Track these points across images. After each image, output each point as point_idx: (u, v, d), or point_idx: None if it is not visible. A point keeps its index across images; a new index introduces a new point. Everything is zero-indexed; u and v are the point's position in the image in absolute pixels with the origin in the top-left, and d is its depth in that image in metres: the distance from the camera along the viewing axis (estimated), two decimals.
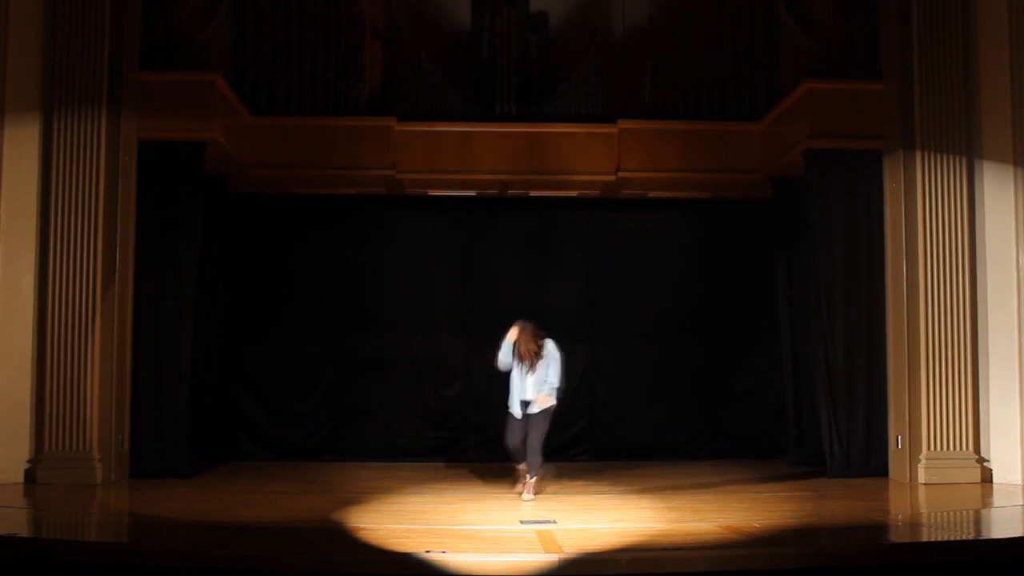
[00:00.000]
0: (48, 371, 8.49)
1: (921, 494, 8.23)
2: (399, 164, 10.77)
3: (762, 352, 11.31)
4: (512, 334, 8.09)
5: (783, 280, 10.63)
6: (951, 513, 7.29)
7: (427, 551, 5.15)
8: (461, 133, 10.87)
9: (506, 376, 8.23)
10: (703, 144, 10.81)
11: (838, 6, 9.82)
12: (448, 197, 11.51)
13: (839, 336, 9.53)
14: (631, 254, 11.65)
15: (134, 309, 9.15)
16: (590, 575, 5.09)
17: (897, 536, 6.37)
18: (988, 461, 8.87)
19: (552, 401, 8.03)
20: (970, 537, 6.31)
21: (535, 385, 8.02)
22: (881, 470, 9.29)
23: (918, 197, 8.98)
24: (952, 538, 6.12)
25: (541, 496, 7.99)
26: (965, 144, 9.02)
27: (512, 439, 8.12)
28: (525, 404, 8.05)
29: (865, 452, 9.42)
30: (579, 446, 11.26)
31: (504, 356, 8.11)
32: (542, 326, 8.28)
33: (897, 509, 7.60)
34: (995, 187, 9.02)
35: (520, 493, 7.99)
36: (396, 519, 6.74)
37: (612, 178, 10.90)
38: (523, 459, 8.10)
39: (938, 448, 8.78)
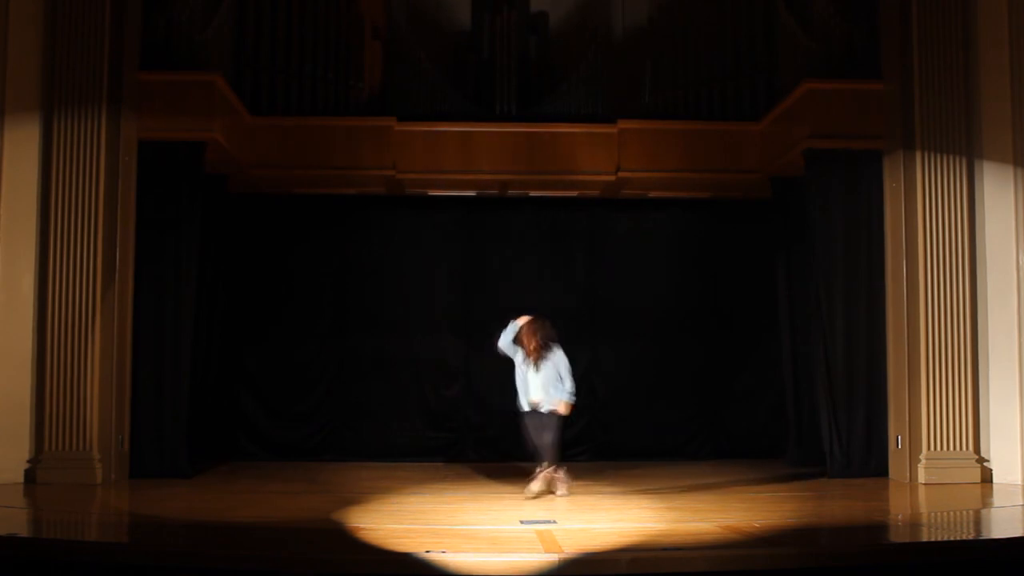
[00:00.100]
0: (48, 371, 8.49)
1: (921, 494, 8.23)
2: (399, 164, 10.77)
3: (762, 352, 11.31)
4: (520, 321, 8.09)
5: (783, 280, 10.63)
6: (951, 513, 7.29)
7: (427, 551, 5.15)
8: (461, 133, 10.87)
9: (506, 376, 8.21)
10: (703, 144, 10.81)
11: (838, 6, 9.82)
12: (448, 197, 11.51)
13: (839, 336, 9.53)
14: (631, 254, 11.65)
15: (134, 309, 9.15)
16: (590, 575, 5.09)
17: (897, 536, 6.37)
18: (988, 461, 8.87)
19: (567, 408, 8.03)
20: (970, 537, 6.31)
21: (543, 387, 7.97)
22: (881, 470, 9.29)
23: (918, 197, 8.98)
24: (952, 538, 6.12)
25: (540, 496, 7.98)
26: (965, 144, 9.02)
27: (532, 441, 8.13)
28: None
29: (865, 452, 9.42)
30: (579, 446, 11.25)
31: (505, 341, 8.12)
32: (545, 327, 8.23)
33: (897, 509, 7.60)
34: (995, 187, 9.02)
35: (556, 493, 8.04)
36: (396, 519, 6.74)
37: (612, 178, 10.90)
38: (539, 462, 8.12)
39: (938, 448, 8.78)
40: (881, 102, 9.51)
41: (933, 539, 6.14)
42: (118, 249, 8.88)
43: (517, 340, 8.12)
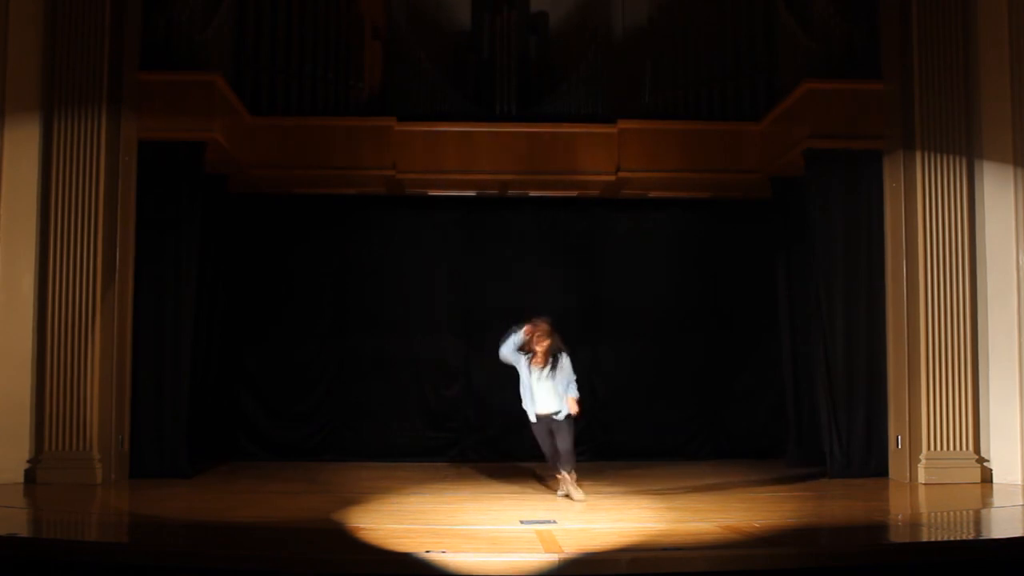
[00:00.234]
0: (48, 371, 8.49)
1: (921, 494, 8.23)
2: (399, 164, 10.77)
3: (762, 352, 11.31)
4: (523, 331, 7.98)
5: (783, 280, 10.62)
6: (951, 513, 7.29)
7: (427, 551, 5.15)
8: (461, 133, 10.87)
9: (506, 376, 8.19)
10: (703, 144, 10.81)
11: (838, 6, 9.82)
12: (448, 197, 11.51)
13: (839, 336, 9.52)
14: (631, 254, 11.65)
15: (134, 309, 9.15)
16: (590, 575, 5.09)
17: (897, 536, 6.37)
18: (988, 461, 8.87)
19: (577, 405, 7.97)
20: (970, 537, 6.31)
21: (553, 394, 7.88)
22: (881, 470, 9.29)
23: (918, 197, 8.98)
24: (952, 538, 6.12)
25: (540, 496, 7.99)
26: (965, 144, 9.02)
27: (546, 447, 8.09)
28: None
29: (865, 452, 9.41)
30: (579, 446, 11.04)
31: (507, 350, 8.01)
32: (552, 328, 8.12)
33: (897, 509, 7.60)
34: (995, 187, 9.02)
35: (558, 493, 8.02)
36: (396, 519, 6.74)
37: (612, 178, 10.90)
38: (557, 462, 8.07)
39: (938, 448, 8.78)
40: (881, 102, 9.51)
41: (933, 539, 6.14)
42: (118, 249, 8.88)
43: (522, 347, 7.98)
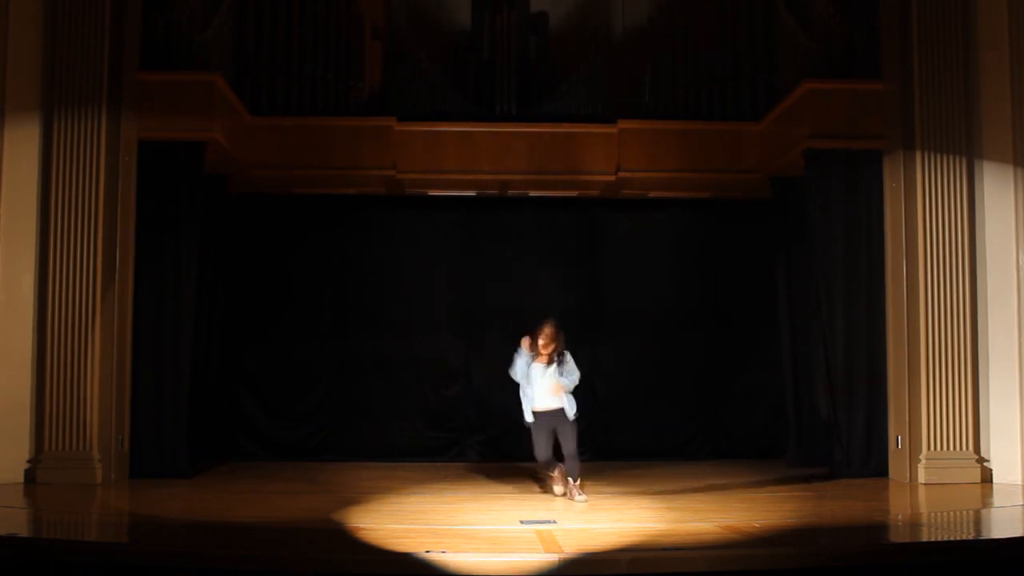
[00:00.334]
0: (48, 371, 8.49)
1: (921, 494, 8.23)
2: (399, 164, 10.77)
3: (762, 352, 11.31)
4: (526, 345, 7.96)
5: (783, 280, 10.63)
6: (951, 513, 7.29)
7: (427, 551, 5.15)
8: (461, 133, 10.87)
9: (506, 376, 8.18)
10: (703, 144, 10.81)
11: (838, 6, 9.82)
12: (448, 197, 11.51)
13: (839, 336, 9.53)
14: (631, 254, 11.65)
15: (134, 309, 9.15)
16: (590, 575, 5.09)
17: (897, 536, 6.37)
18: (988, 461, 8.87)
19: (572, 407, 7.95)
20: (970, 537, 6.31)
21: (553, 394, 7.86)
22: (881, 470, 9.29)
23: (918, 197, 8.98)
24: (952, 538, 6.12)
25: (540, 496, 7.98)
26: (965, 144, 9.02)
27: (542, 451, 7.99)
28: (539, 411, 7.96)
29: (865, 452, 9.41)
30: (579, 446, 11.21)
31: (519, 369, 7.96)
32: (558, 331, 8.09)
33: (897, 509, 7.60)
34: (995, 187, 9.02)
35: (555, 492, 8.01)
36: (396, 519, 6.73)
37: (612, 178, 10.90)
38: (552, 466, 8.05)
39: (938, 448, 8.78)
40: (881, 102, 9.51)
41: (933, 539, 6.14)
42: (118, 249, 8.88)
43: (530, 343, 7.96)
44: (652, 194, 11.50)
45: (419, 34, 11.47)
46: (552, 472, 8.14)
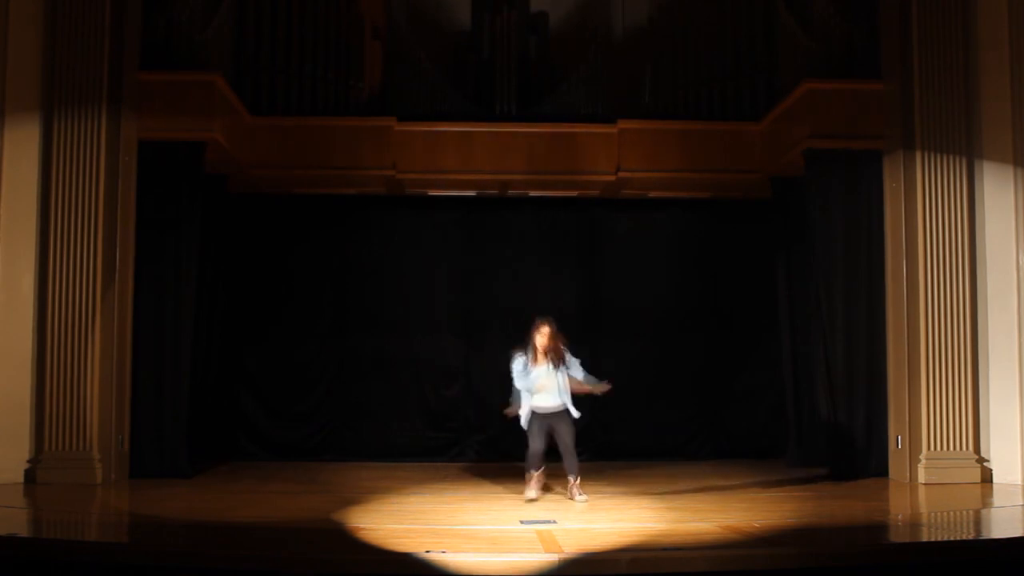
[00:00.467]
0: (48, 371, 8.49)
1: (921, 494, 8.23)
2: (399, 164, 10.77)
3: (762, 352, 11.31)
4: (519, 360, 7.87)
5: (783, 280, 10.63)
6: (951, 513, 7.29)
7: (427, 551, 5.14)
8: (461, 133, 10.87)
9: (506, 376, 8.16)
10: (703, 144, 10.81)
11: (838, 6, 9.82)
12: (448, 197, 11.51)
13: (839, 336, 9.52)
14: (631, 254, 11.65)
15: (134, 309, 9.15)
16: (590, 575, 5.09)
17: (897, 536, 6.37)
18: (988, 461, 8.87)
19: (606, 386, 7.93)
20: (970, 537, 6.31)
21: (552, 393, 7.78)
22: (881, 470, 9.29)
23: (918, 197, 8.98)
24: (952, 538, 6.12)
25: (541, 496, 7.97)
26: (965, 144, 9.02)
27: (537, 447, 7.88)
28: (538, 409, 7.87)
29: (865, 452, 9.41)
30: (579, 446, 11.10)
31: (522, 382, 7.84)
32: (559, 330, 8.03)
33: (897, 509, 7.60)
34: (995, 187, 9.02)
35: (529, 496, 7.81)
36: (396, 519, 6.74)
37: (612, 178, 10.90)
38: (541, 465, 7.93)
39: (938, 448, 8.78)
40: (881, 102, 9.51)
41: (933, 539, 6.14)
42: (118, 249, 8.88)
43: (527, 345, 7.88)
44: (652, 194, 11.50)
45: (419, 34, 11.47)
46: (536, 472, 7.89)
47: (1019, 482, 8.63)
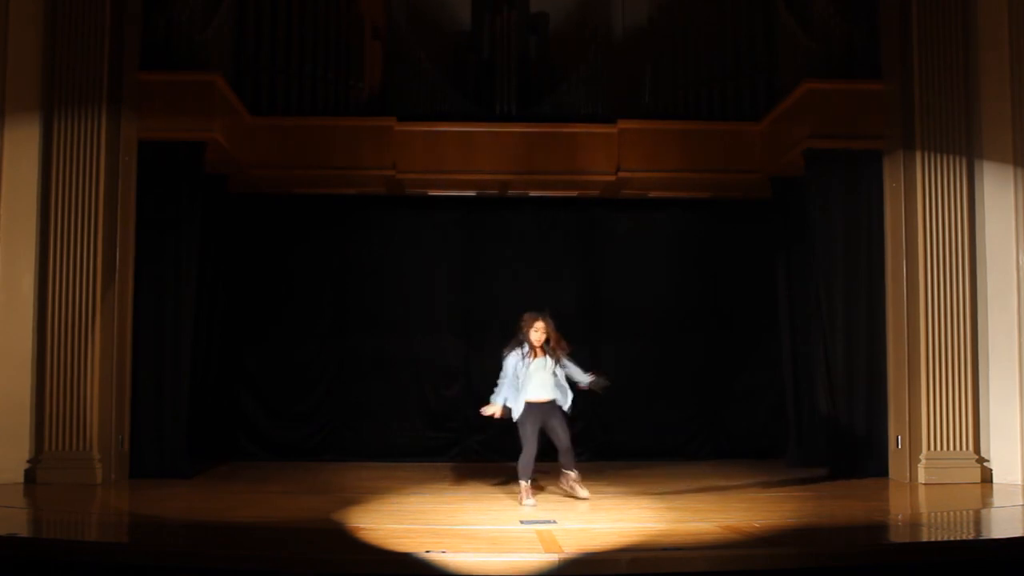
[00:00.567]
0: (48, 371, 8.49)
1: (921, 494, 8.23)
2: (399, 164, 10.77)
3: (762, 352, 11.31)
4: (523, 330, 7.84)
5: (783, 280, 10.63)
6: (951, 513, 7.29)
7: (427, 551, 5.14)
8: (461, 133, 10.88)
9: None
10: (703, 144, 10.81)
11: (838, 6, 9.82)
12: (448, 197, 11.51)
13: (839, 336, 9.53)
14: (631, 254, 11.65)
15: (134, 309, 9.15)
16: (590, 575, 5.09)
17: (897, 536, 6.36)
18: (988, 461, 8.87)
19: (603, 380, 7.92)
20: (970, 537, 6.30)
21: (547, 386, 7.74)
22: (881, 470, 9.29)
23: (918, 197, 8.98)
24: (952, 538, 6.12)
25: (540, 496, 7.97)
26: (965, 144, 9.01)
27: (530, 443, 7.75)
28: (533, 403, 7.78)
29: (865, 452, 9.41)
30: (579, 446, 11.11)
31: (513, 367, 7.74)
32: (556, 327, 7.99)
33: (897, 509, 7.60)
34: (995, 187, 9.01)
35: (527, 504, 7.55)
36: (396, 519, 6.73)
37: (612, 178, 10.90)
38: (533, 474, 7.80)
39: (938, 448, 8.78)
40: (881, 102, 9.51)
41: (933, 539, 6.13)
42: (118, 249, 8.88)
43: (522, 339, 7.82)
44: (652, 194, 11.50)
45: (419, 34, 11.47)
46: (529, 480, 7.70)
47: (1019, 482, 8.63)
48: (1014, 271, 8.93)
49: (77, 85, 8.66)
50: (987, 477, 8.79)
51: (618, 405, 11.39)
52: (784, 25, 10.46)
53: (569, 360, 7.95)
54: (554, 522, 6.53)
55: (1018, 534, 6.19)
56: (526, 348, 7.81)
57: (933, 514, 7.24)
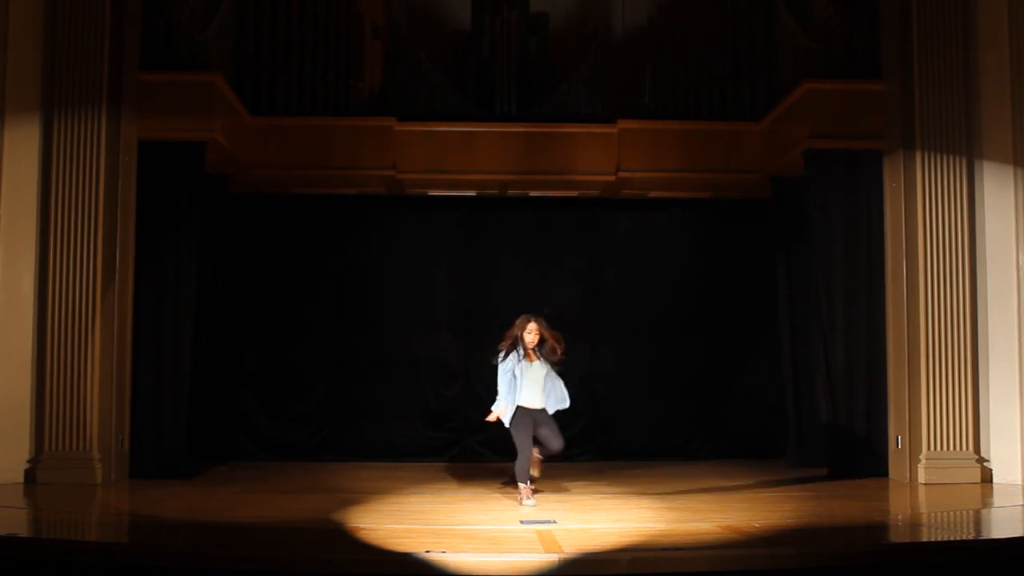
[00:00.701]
0: (48, 371, 8.49)
1: (921, 494, 8.23)
2: (399, 164, 10.77)
3: (762, 352, 11.32)
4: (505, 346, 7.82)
5: (783, 280, 10.63)
6: (951, 513, 7.29)
7: (427, 551, 5.14)
8: (461, 133, 10.88)
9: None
10: (703, 144, 10.81)
11: (838, 6, 9.82)
12: (448, 197, 11.51)
13: (839, 336, 9.53)
14: (631, 254, 11.65)
15: (134, 309, 9.15)
16: (590, 575, 5.09)
17: (897, 536, 6.36)
18: (988, 461, 8.87)
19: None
20: (970, 537, 6.30)
21: (537, 392, 7.72)
22: (881, 470, 9.29)
23: (918, 197, 8.98)
24: (952, 538, 6.12)
25: (540, 496, 7.97)
26: (965, 144, 9.01)
27: (525, 442, 7.73)
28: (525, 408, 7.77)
29: (865, 452, 9.41)
30: (579, 446, 11.24)
31: (511, 369, 7.73)
32: (551, 326, 7.94)
33: (897, 509, 7.60)
34: (995, 187, 9.02)
35: (527, 504, 7.54)
36: (396, 519, 6.73)
37: (612, 178, 10.90)
38: (528, 477, 7.78)
39: (938, 448, 8.78)
40: (881, 102, 9.51)
41: (933, 539, 6.13)
42: (118, 249, 8.88)
43: (516, 340, 7.80)
44: (652, 194, 11.50)
45: (419, 34, 11.47)
46: (527, 483, 7.68)
47: (1019, 482, 8.63)
48: (1014, 271, 8.93)
49: (77, 85, 8.66)
50: (987, 477, 8.79)
51: (618, 405, 11.44)
52: (784, 25, 10.46)
53: (556, 374, 7.87)
54: (554, 522, 6.53)
55: (1018, 534, 6.19)
56: (521, 351, 7.79)
57: (933, 514, 7.24)
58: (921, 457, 8.80)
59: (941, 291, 8.89)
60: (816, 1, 9.93)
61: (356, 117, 10.88)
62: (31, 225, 8.63)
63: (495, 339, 8.12)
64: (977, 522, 7.00)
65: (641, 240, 11.71)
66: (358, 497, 7.92)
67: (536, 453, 7.94)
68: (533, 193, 11.44)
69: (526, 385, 7.73)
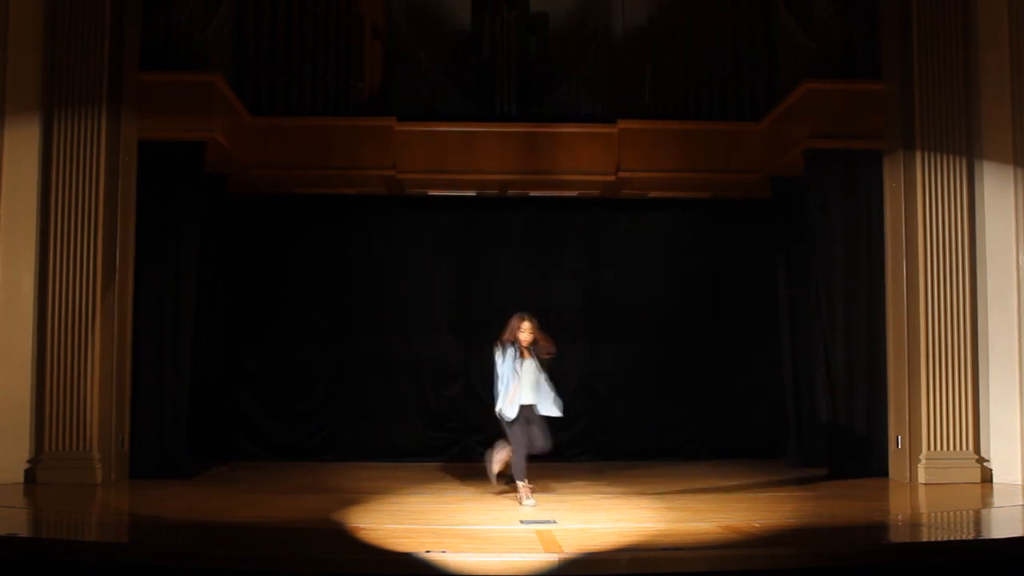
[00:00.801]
0: (48, 371, 8.49)
1: (921, 494, 8.23)
2: (399, 164, 10.77)
3: (762, 352, 11.32)
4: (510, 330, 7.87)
5: (783, 280, 10.63)
6: (951, 513, 7.29)
7: (427, 551, 5.15)
8: (461, 133, 10.88)
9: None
10: (703, 144, 10.81)
11: (838, 6, 9.82)
12: (448, 197, 11.51)
13: (839, 336, 9.53)
14: (631, 254, 11.65)
15: (134, 309, 9.16)
16: (590, 575, 5.09)
17: (897, 536, 6.37)
18: (988, 461, 8.87)
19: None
20: (970, 537, 6.31)
21: (531, 390, 7.75)
22: (881, 470, 9.29)
23: (918, 197, 8.98)
24: (952, 538, 6.12)
25: (540, 497, 7.97)
26: (965, 144, 9.02)
27: (522, 439, 7.73)
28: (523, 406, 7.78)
29: (865, 452, 9.42)
30: (579, 446, 11.26)
31: (510, 365, 7.77)
32: (542, 326, 7.97)
33: (897, 509, 7.60)
34: (995, 187, 9.02)
35: (527, 504, 7.55)
36: (396, 519, 6.74)
37: (612, 178, 10.90)
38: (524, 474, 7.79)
39: (938, 448, 8.78)
40: (881, 102, 9.51)
41: (933, 539, 6.14)
42: (118, 249, 8.88)
43: (509, 338, 7.83)
44: (652, 194, 11.50)
45: (419, 34, 11.47)
46: (526, 481, 7.68)
47: (1019, 482, 8.63)
48: (1014, 271, 8.93)
49: (77, 85, 8.66)
50: (987, 477, 8.79)
51: (618, 405, 11.44)
52: (784, 25, 10.46)
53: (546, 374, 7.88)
54: (554, 522, 6.53)
55: (1018, 534, 6.20)
56: (516, 349, 7.82)
57: (933, 514, 7.25)
58: (921, 457, 8.80)
59: (941, 291, 8.90)
60: (816, 1, 9.93)
61: (356, 117, 10.88)
62: (31, 225, 8.63)
63: (495, 339, 8.13)
64: (977, 522, 7.01)
65: (641, 240, 11.71)
66: (358, 497, 7.92)
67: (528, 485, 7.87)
68: (533, 193, 11.44)
69: (522, 382, 7.76)
